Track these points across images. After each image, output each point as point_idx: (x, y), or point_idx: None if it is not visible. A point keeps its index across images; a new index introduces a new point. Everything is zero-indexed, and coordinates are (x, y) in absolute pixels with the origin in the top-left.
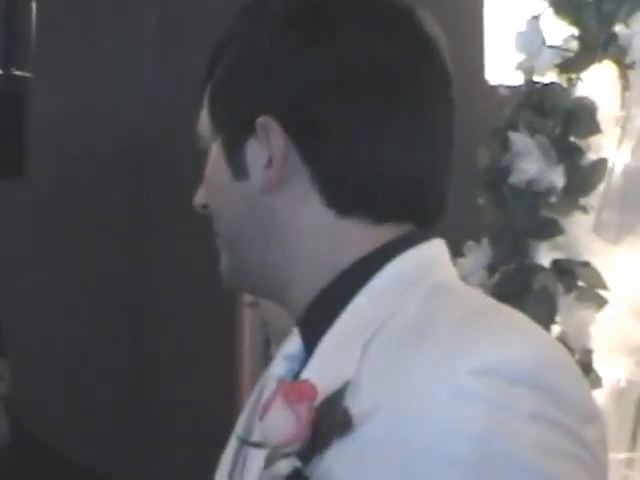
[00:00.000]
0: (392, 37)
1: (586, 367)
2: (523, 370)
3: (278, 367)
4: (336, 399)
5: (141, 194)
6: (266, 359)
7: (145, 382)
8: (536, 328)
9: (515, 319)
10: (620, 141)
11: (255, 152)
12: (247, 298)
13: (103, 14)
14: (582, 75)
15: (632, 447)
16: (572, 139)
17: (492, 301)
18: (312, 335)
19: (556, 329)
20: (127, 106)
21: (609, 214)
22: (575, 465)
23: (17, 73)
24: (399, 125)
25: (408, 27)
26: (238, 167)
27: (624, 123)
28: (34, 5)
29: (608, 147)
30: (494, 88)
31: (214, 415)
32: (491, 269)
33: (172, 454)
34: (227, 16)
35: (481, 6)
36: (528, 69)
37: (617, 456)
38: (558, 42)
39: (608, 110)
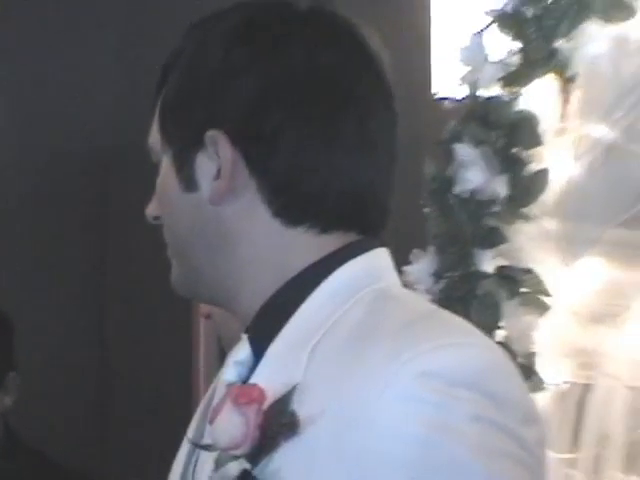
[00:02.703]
0: (335, 54)
1: (529, 370)
2: (465, 374)
3: (228, 373)
4: (284, 403)
5: (104, 206)
6: (222, 362)
7: (108, 388)
8: (477, 333)
9: (457, 324)
10: (564, 152)
11: (204, 165)
12: (203, 309)
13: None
14: (524, 88)
15: (574, 447)
16: (515, 150)
17: (434, 307)
18: (261, 341)
19: (500, 334)
20: (90, 118)
21: (550, 223)
22: (515, 465)
23: None
24: (342, 138)
25: (351, 44)
26: (188, 179)
27: (568, 135)
28: None
29: (549, 158)
30: (440, 101)
31: (171, 418)
32: (437, 276)
33: (130, 455)
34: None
35: (428, 22)
36: (472, 83)
37: (560, 456)
38: (501, 56)
39: (549, 122)
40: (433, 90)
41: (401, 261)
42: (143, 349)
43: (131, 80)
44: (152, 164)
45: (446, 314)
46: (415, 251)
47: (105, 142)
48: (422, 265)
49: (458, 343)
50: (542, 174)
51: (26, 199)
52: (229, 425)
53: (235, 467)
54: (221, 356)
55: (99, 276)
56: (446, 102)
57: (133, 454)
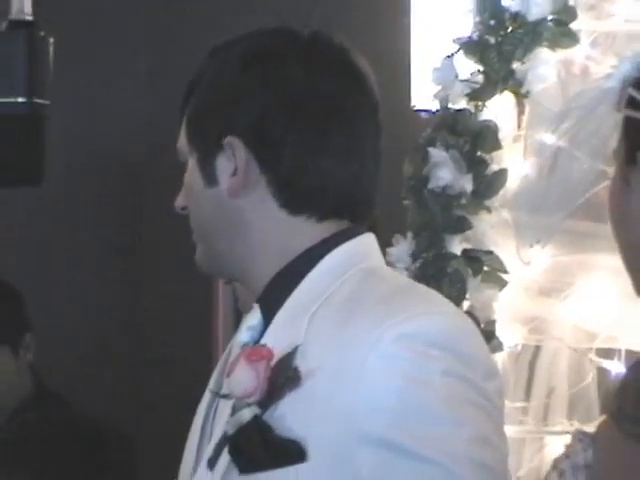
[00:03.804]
0: (330, 74)
1: (490, 334)
2: (437, 336)
3: (242, 335)
4: (288, 360)
5: (138, 197)
6: (237, 327)
7: (139, 344)
8: (448, 303)
9: (430, 296)
10: (519, 155)
11: (223, 164)
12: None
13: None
14: (487, 103)
15: (526, 398)
16: (479, 153)
17: (412, 282)
18: (269, 310)
19: (466, 304)
20: (124, 125)
21: (508, 213)
22: (478, 411)
23: (37, 101)
24: (336, 144)
25: (344, 66)
26: (210, 176)
27: (523, 141)
28: (51, 40)
29: (507, 160)
30: (417, 113)
31: (193, 374)
32: (414, 257)
33: (160, 405)
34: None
35: (408, 48)
36: (444, 98)
37: (514, 405)
38: (467, 76)
39: (507, 130)
40: (412, 104)
41: (384, 244)
42: (171, 315)
43: (161, 98)
44: (180, 164)
45: (422, 288)
46: (396, 236)
47: (140, 146)
48: (401, 247)
49: (432, 311)
50: (501, 173)
51: (77, 190)
52: (243, 378)
53: (248, 412)
54: (237, 320)
55: (136, 253)
56: (422, 114)
57: (161, 407)
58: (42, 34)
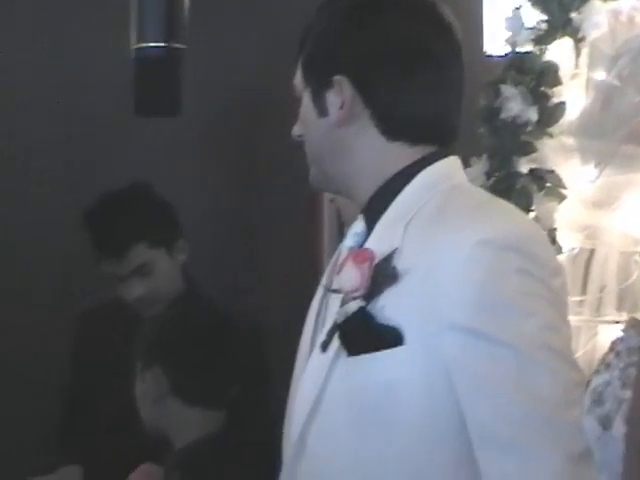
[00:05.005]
0: (419, 23)
1: (552, 239)
2: (511, 240)
3: (348, 240)
4: (387, 261)
5: (256, 127)
6: (340, 237)
7: (253, 252)
8: (519, 213)
9: (506, 207)
10: (576, 90)
11: (332, 99)
12: (328, 195)
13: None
14: (549, 46)
15: (582, 293)
16: (542, 89)
17: (491, 196)
18: (371, 219)
19: (531, 215)
20: (249, 65)
21: (567, 139)
22: (547, 303)
23: (175, 45)
24: (425, 81)
25: (431, 15)
26: (321, 109)
27: (582, 79)
28: None
29: (566, 94)
30: (490, 56)
31: (303, 274)
32: (488, 175)
33: (278, 301)
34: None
35: (481, 2)
36: (513, 42)
37: (572, 298)
38: (533, 24)
39: (566, 69)
40: (484, 49)
41: (464, 165)
42: (286, 226)
43: (275, 44)
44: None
45: (499, 201)
46: (473, 158)
47: (260, 86)
48: (477, 168)
49: (507, 220)
50: (561, 105)
51: (210, 120)
52: (350, 276)
53: (354, 304)
54: (339, 232)
55: (254, 174)
56: (494, 57)
57: (279, 303)
58: None
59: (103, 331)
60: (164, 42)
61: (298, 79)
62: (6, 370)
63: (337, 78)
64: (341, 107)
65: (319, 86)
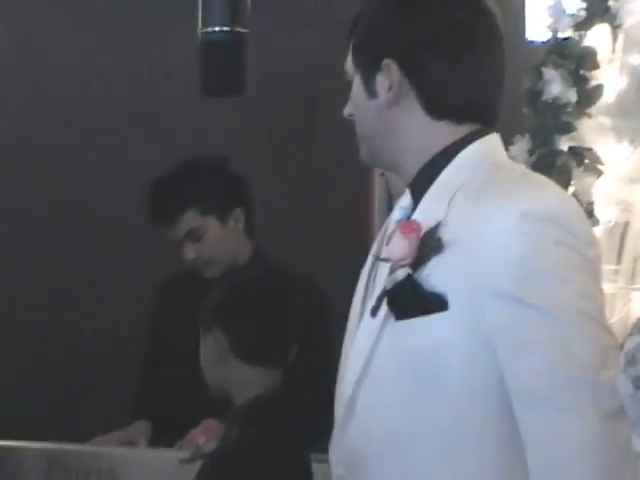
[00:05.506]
0: (463, 11)
1: (589, 212)
2: (550, 213)
3: (396, 214)
4: (433, 232)
5: (316, 106)
6: (389, 210)
7: (313, 217)
8: (557, 188)
9: (545, 183)
10: (613, 74)
11: (381, 81)
12: (378, 170)
13: None
14: (588, 32)
15: (617, 262)
16: (581, 72)
17: (531, 172)
18: (417, 193)
19: (571, 189)
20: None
21: (604, 119)
22: (583, 272)
23: (239, 29)
24: (469, 65)
25: (475, 4)
26: (370, 90)
27: (618, 63)
28: None
29: (603, 77)
30: (532, 42)
31: (354, 244)
32: (530, 153)
33: (329, 270)
34: None
35: None
36: (554, 29)
37: (608, 267)
38: (573, 11)
39: (603, 54)
40: (527, 35)
41: (507, 143)
42: (340, 200)
43: (331, 33)
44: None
45: (538, 176)
46: (517, 136)
47: (316, 70)
48: (520, 146)
49: (546, 194)
50: (599, 87)
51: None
52: (398, 246)
53: (402, 272)
54: (388, 205)
55: (312, 151)
56: (536, 43)
57: (330, 272)
58: None
59: (177, 299)
60: (229, 26)
61: (349, 63)
62: (92, 337)
63: (386, 62)
64: (389, 89)
65: (369, 70)
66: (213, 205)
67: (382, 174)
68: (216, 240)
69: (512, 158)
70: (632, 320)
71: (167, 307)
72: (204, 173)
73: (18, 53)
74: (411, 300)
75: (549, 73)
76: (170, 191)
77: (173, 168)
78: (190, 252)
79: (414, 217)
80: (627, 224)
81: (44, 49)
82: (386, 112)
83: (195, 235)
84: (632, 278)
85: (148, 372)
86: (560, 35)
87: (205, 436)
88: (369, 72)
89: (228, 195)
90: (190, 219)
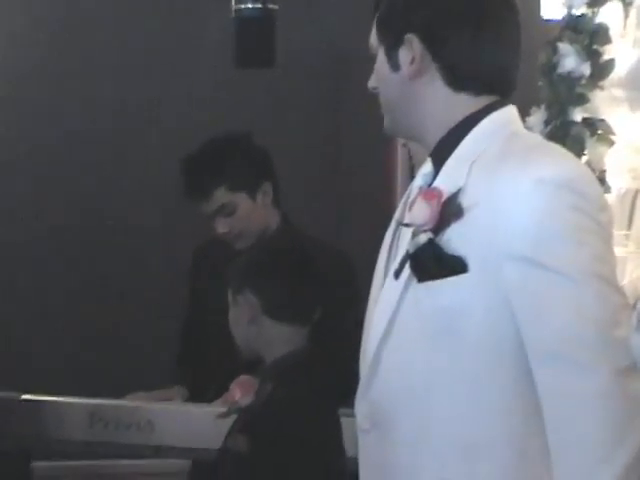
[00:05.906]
0: None
1: (602, 180)
2: (565, 180)
3: (418, 181)
4: (453, 198)
5: (342, 80)
6: (411, 177)
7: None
8: (571, 156)
9: (560, 151)
10: (625, 48)
11: (404, 55)
12: (401, 140)
13: None
14: (601, 9)
15: (628, 227)
16: (594, 47)
17: (546, 141)
18: (439, 161)
19: (584, 158)
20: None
21: (616, 91)
22: (596, 236)
23: (270, 6)
24: (488, 39)
25: None
26: (394, 64)
27: (627, 37)
28: None
29: (615, 51)
30: (547, 20)
31: (378, 209)
32: (546, 123)
33: (353, 233)
34: None
35: None
36: (569, 6)
37: (620, 232)
38: None
39: (615, 29)
40: (543, 13)
41: (524, 114)
42: (365, 168)
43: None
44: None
45: (553, 145)
46: (533, 108)
47: (345, 46)
48: (536, 117)
49: (561, 161)
50: (611, 61)
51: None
52: (421, 211)
53: (424, 236)
54: (411, 173)
55: (339, 123)
56: (551, 20)
57: (354, 236)
58: None
59: (210, 267)
60: (260, 3)
61: (373, 37)
62: (137, 303)
63: (408, 36)
64: (412, 63)
65: (392, 44)
66: (242, 181)
67: (404, 144)
68: (246, 214)
69: (528, 128)
70: None
71: (201, 273)
72: (232, 150)
73: (65, 30)
74: (432, 263)
75: (564, 48)
76: (201, 169)
77: (202, 146)
78: (222, 226)
79: (435, 184)
80: (637, 191)
81: (80, 27)
82: (409, 84)
83: (226, 211)
84: None
85: (188, 333)
86: (574, 12)
87: (241, 391)
88: (392, 46)
89: (256, 171)
90: (221, 196)
